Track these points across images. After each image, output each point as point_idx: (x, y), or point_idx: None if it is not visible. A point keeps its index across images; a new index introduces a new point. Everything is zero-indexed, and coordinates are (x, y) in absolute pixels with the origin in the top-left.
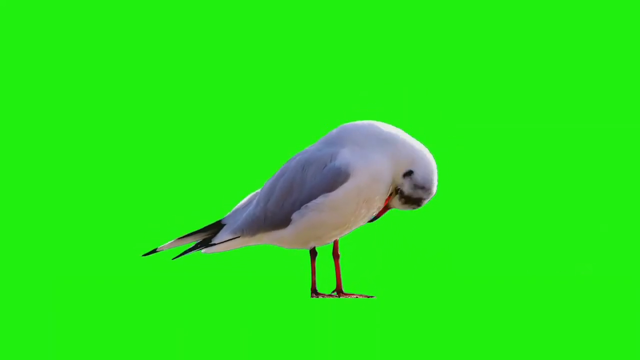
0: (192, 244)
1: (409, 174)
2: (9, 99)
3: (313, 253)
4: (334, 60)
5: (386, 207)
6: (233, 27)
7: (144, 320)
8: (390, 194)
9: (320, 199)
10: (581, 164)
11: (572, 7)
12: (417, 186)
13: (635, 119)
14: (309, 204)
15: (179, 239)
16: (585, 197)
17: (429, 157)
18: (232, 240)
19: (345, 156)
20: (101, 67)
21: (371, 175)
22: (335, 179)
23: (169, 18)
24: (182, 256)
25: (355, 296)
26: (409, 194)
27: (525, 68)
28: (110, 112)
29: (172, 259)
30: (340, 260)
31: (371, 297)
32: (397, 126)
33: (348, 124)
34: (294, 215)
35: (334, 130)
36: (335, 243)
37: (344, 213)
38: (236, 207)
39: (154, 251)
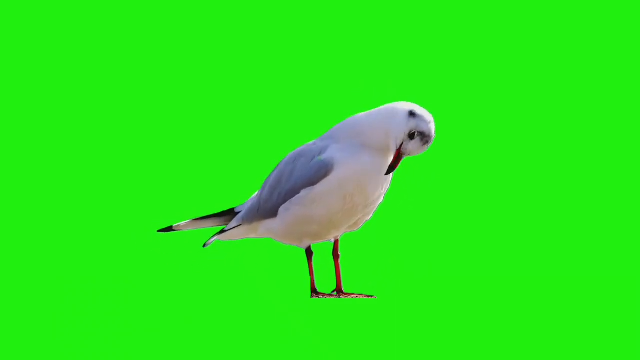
0: (209, 229)
1: (413, 114)
2: (9, 99)
3: (309, 253)
4: (350, 51)
5: (398, 157)
6: (253, 15)
7: (141, 317)
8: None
9: (303, 193)
10: (582, 164)
11: (573, 5)
12: (424, 119)
13: (634, 119)
14: (293, 199)
15: (194, 220)
16: (586, 197)
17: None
18: (236, 229)
19: (332, 150)
20: (125, 58)
21: (355, 170)
22: (318, 171)
23: (173, 16)
24: (207, 240)
25: (355, 296)
26: (423, 130)
27: (526, 68)
28: (135, 104)
29: (203, 245)
30: (341, 260)
31: (371, 297)
32: None
33: (350, 117)
34: (280, 209)
35: (338, 124)
36: (336, 243)
37: (329, 208)
38: (250, 197)
39: (170, 228)
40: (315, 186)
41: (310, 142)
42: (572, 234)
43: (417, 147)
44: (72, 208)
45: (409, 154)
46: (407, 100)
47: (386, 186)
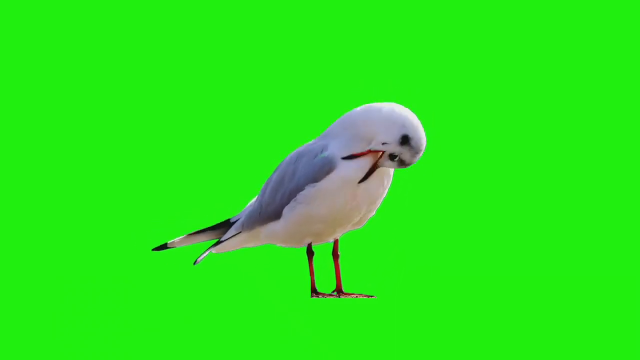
0: (205, 243)
1: (406, 140)
2: (10, 100)
3: (310, 253)
4: (347, 53)
5: (374, 168)
6: (248, 15)
7: (142, 318)
8: (379, 157)
9: (307, 190)
10: (580, 165)
11: (573, 5)
12: (413, 151)
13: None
14: (297, 197)
15: (188, 235)
16: (584, 198)
17: (416, 120)
18: (234, 238)
19: (334, 147)
20: (118, 64)
21: (357, 168)
22: (321, 169)
23: (172, 17)
24: (198, 257)
25: (355, 296)
26: (404, 159)
27: (525, 68)
28: (126, 111)
29: (193, 263)
30: (340, 260)
31: (371, 297)
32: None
33: (348, 113)
34: (285, 210)
35: (335, 122)
36: (335, 243)
37: (333, 206)
38: (246, 207)
39: (164, 246)
40: (318, 183)
41: (309, 142)
42: (570, 235)
43: (390, 165)
44: (61, 229)
45: (381, 166)
46: (407, 97)
47: (388, 181)
